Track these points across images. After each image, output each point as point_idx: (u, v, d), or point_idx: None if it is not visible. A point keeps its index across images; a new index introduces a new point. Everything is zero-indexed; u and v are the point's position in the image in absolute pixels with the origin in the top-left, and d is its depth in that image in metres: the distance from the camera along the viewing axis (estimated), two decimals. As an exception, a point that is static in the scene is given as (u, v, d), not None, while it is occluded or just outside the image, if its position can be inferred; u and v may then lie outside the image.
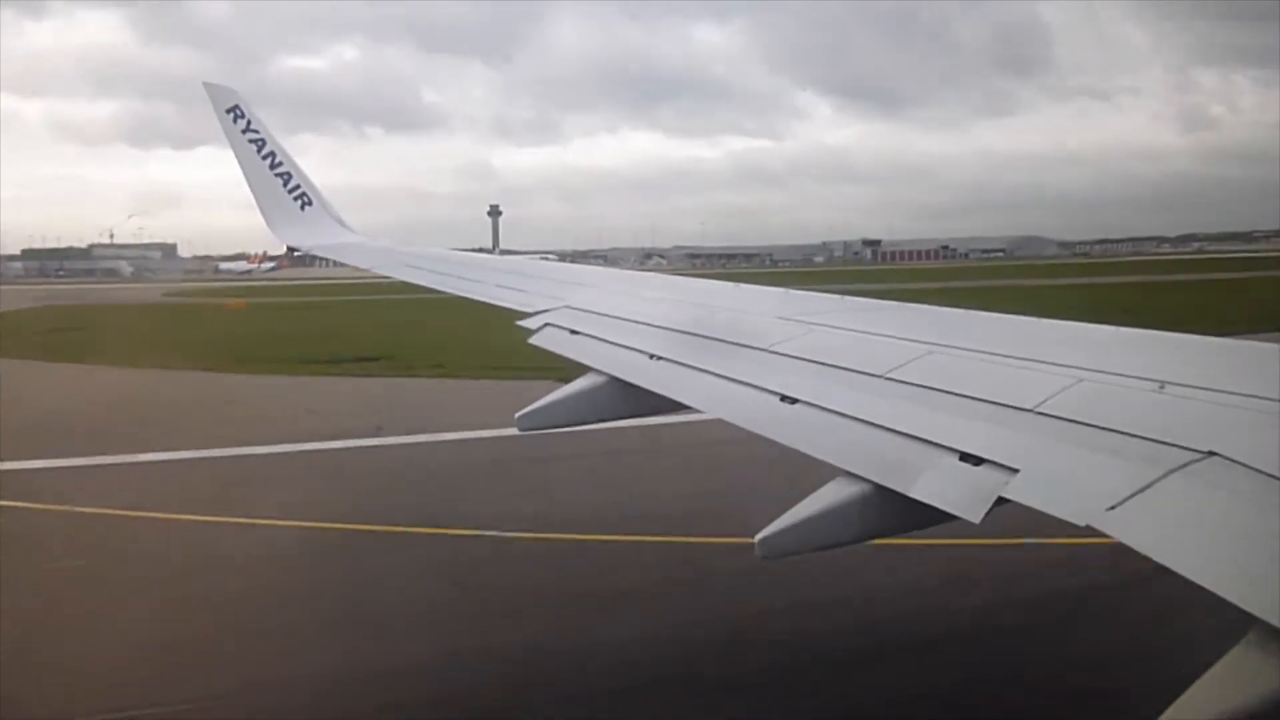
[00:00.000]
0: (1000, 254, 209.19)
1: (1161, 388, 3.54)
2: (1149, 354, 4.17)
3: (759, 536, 3.75)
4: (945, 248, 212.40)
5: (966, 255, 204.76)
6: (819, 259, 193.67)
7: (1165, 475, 2.89)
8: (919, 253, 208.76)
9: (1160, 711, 2.35)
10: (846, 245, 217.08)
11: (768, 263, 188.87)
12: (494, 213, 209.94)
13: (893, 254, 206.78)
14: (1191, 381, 3.52)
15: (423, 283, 10.34)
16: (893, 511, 3.62)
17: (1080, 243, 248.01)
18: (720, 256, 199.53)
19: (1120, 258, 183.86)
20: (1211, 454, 2.93)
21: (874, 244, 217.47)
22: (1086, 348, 4.38)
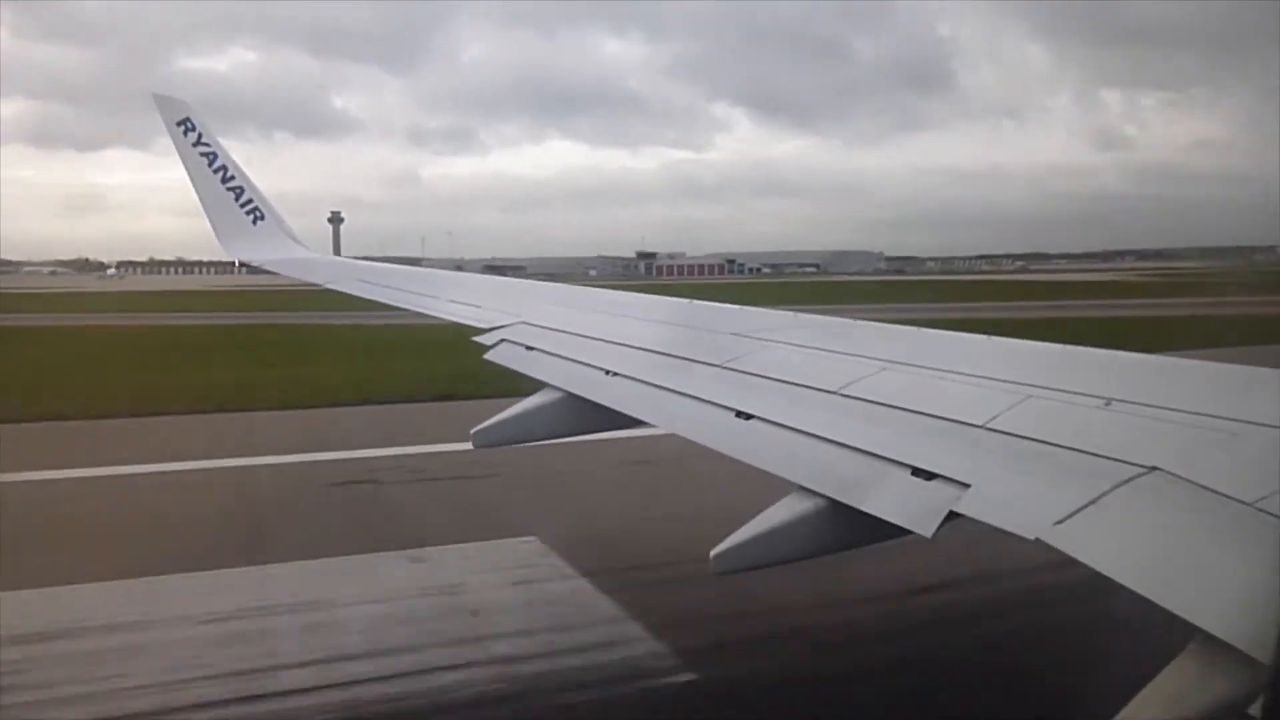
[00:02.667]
0: (814, 269, 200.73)
1: (1107, 404, 3.62)
2: (1096, 372, 4.27)
3: (714, 552, 3.76)
4: (731, 261, 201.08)
5: (756, 270, 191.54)
6: (593, 272, 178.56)
7: (1111, 490, 2.96)
8: (699, 267, 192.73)
9: None
10: (627, 261, 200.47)
11: (524, 274, 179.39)
12: (335, 220, 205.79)
13: (668, 269, 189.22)
14: (1136, 399, 3.61)
15: (376, 298, 10.24)
16: (847, 526, 3.65)
17: (908, 259, 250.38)
18: (493, 267, 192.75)
19: (951, 275, 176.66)
20: (1154, 469, 3.00)
21: (649, 257, 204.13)
22: (1035, 365, 4.47)
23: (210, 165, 12.80)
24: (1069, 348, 4.76)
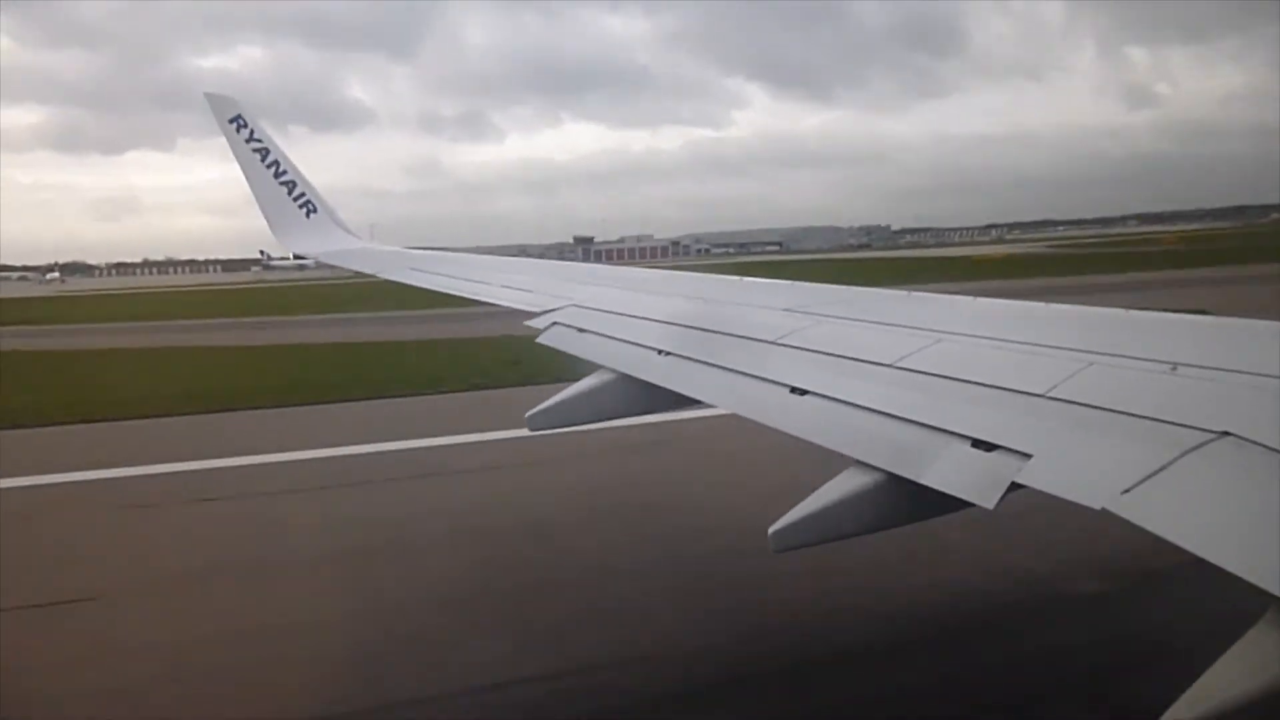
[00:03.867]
0: (776, 247, 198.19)
1: (1173, 369, 3.52)
2: (1159, 336, 4.15)
3: (772, 530, 3.74)
4: (675, 243, 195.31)
5: (704, 251, 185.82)
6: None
7: (1180, 457, 2.88)
8: (641, 250, 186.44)
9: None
10: (565, 246, 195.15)
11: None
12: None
13: (607, 253, 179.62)
14: (1203, 362, 3.51)
15: (428, 285, 10.34)
16: (906, 500, 3.61)
17: (876, 228, 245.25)
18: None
19: (920, 249, 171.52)
20: (1225, 434, 2.91)
21: (585, 241, 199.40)
22: (1096, 331, 4.36)
23: (263, 160, 13.01)
24: (1131, 312, 4.64)
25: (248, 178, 13.06)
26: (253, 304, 70.55)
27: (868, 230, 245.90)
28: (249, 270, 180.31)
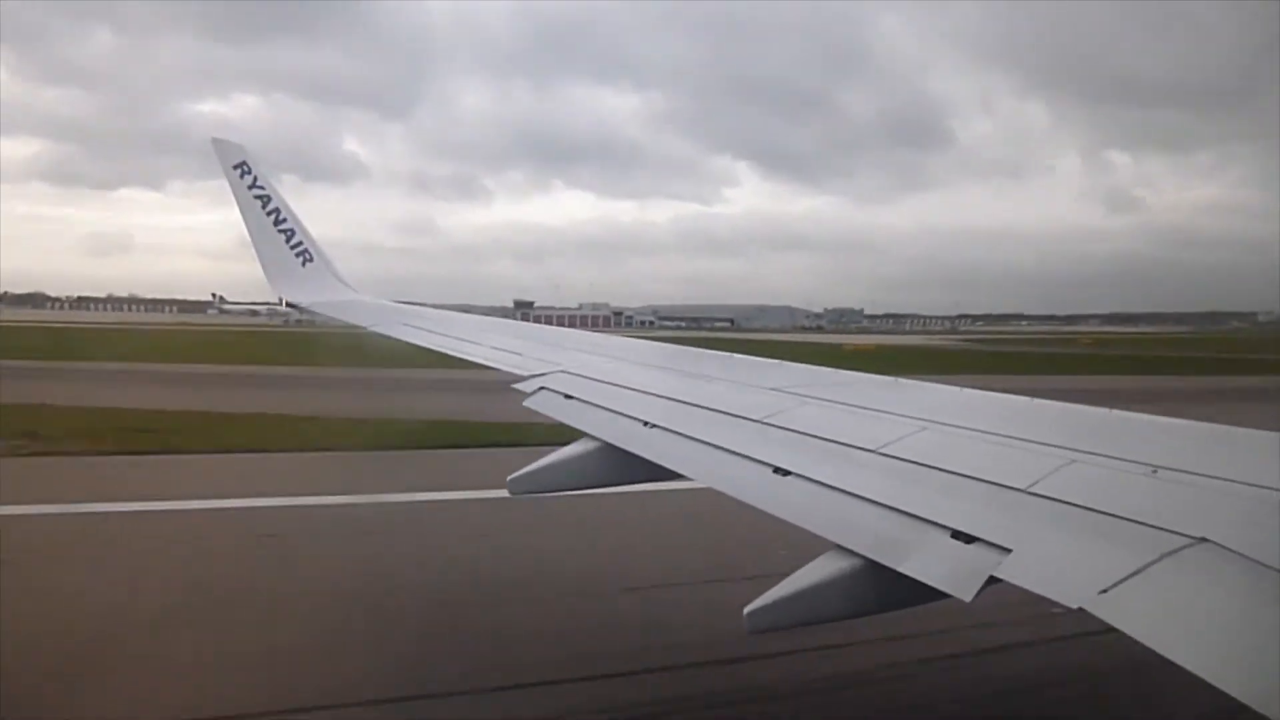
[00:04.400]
0: (728, 324, 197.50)
1: (1154, 472, 3.56)
2: (1142, 438, 4.20)
3: (748, 609, 3.72)
4: (619, 313, 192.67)
5: (650, 324, 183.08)
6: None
7: (1157, 560, 2.89)
8: (583, 319, 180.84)
9: None
10: (505, 310, 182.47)
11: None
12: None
13: (546, 318, 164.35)
14: (1184, 467, 3.55)
15: (419, 342, 10.36)
16: (884, 587, 3.60)
17: (848, 311, 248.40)
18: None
19: (871, 333, 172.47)
20: (1204, 540, 2.93)
21: (525, 306, 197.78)
22: (1079, 429, 4.41)
23: (264, 207, 13.13)
24: (1115, 412, 4.69)
25: (247, 223, 13.15)
26: (188, 347, 62.97)
27: (840, 312, 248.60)
28: (204, 312, 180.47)
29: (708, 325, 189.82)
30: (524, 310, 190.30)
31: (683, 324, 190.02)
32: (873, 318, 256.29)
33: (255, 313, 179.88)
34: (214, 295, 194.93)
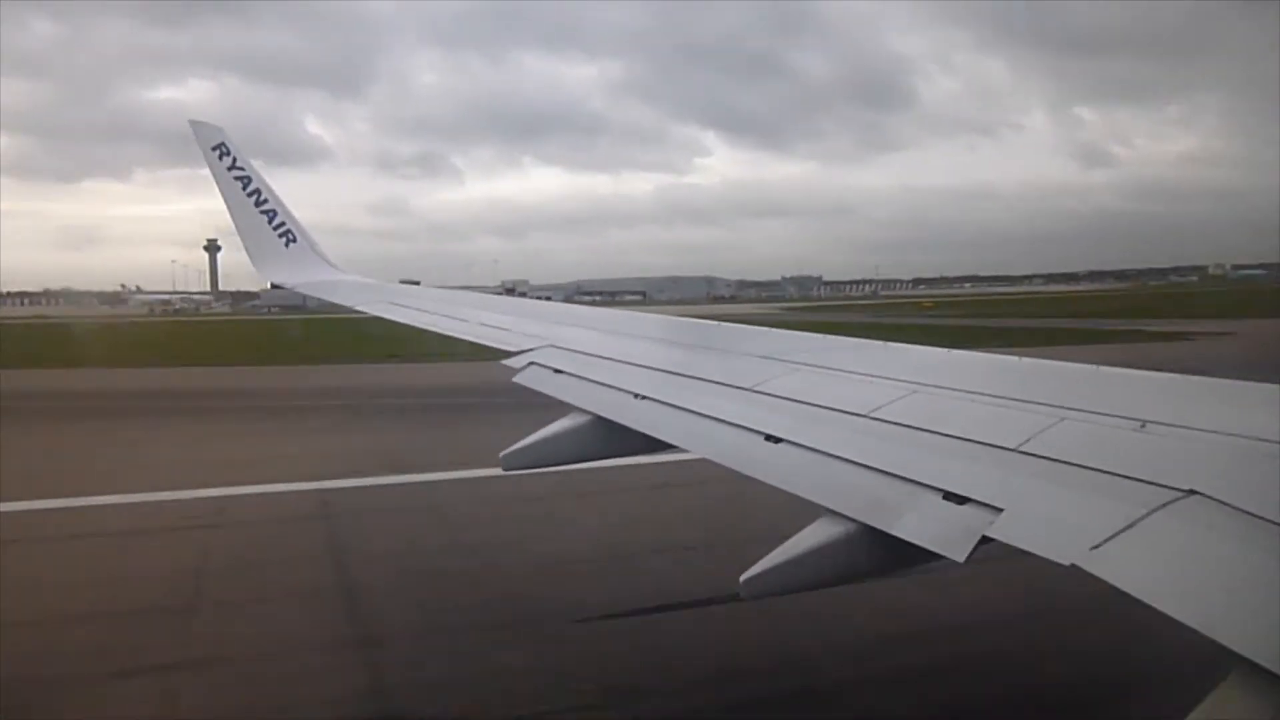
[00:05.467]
0: (640, 297, 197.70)
1: (1142, 426, 3.57)
2: (1130, 392, 4.22)
3: (743, 577, 3.74)
4: (511, 289, 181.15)
5: (547, 299, 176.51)
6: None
7: (1147, 514, 2.91)
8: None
9: None
10: None
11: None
12: (211, 249, 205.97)
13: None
14: (1171, 420, 3.56)
15: (407, 320, 10.31)
16: (878, 550, 3.62)
17: (806, 278, 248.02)
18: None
19: (785, 302, 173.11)
20: (1192, 492, 2.95)
21: (411, 285, 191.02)
22: (1068, 386, 4.42)
23: (244, 189, 13.00)
24: (1102, 368, 4.71)
25: (228, 205, 13.03)
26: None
27: (796, 281, 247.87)
28: (125, 303, 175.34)
29: (620, 299, 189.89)
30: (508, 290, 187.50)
31: (598, 298, 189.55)
32: (833, 284, 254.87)
33: (169, 302, 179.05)
34: (122, 286, 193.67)
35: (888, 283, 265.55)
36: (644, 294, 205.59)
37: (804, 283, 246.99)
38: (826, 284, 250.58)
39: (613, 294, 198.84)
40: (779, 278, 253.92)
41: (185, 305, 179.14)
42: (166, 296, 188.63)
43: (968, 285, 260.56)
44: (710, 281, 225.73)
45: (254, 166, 13.12)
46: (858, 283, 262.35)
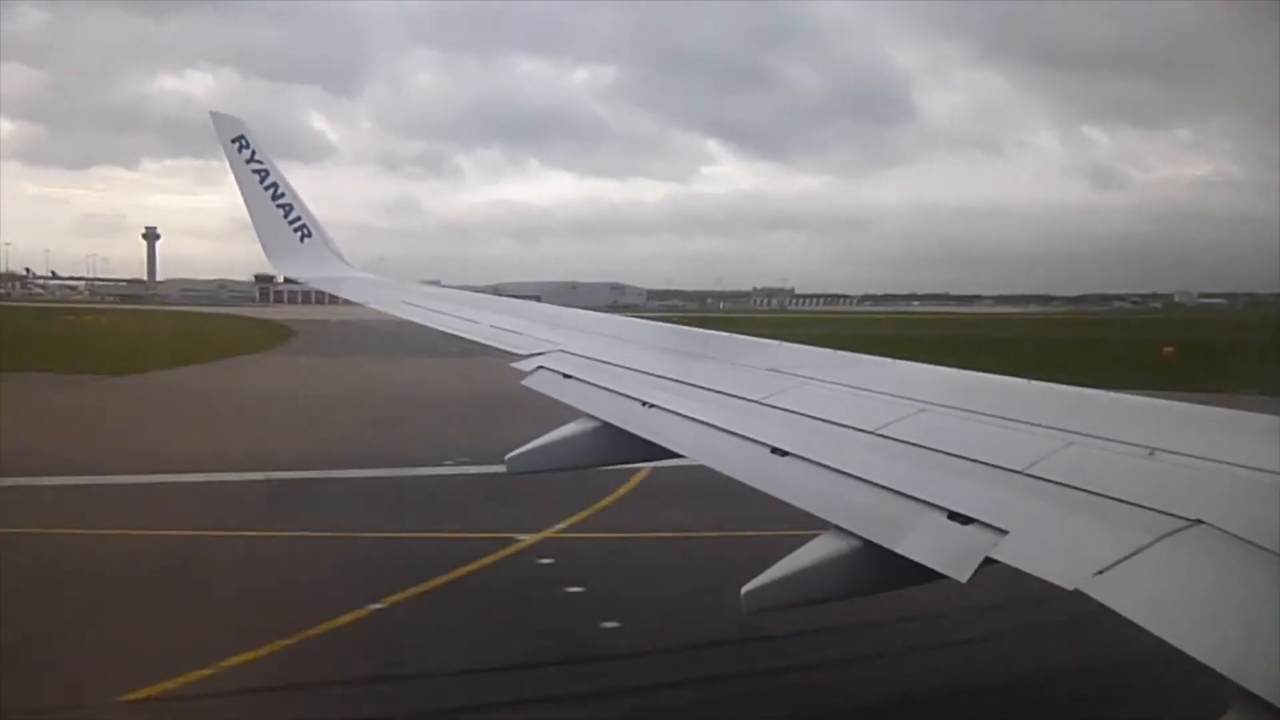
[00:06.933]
0: (535, 300, 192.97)
1: (1151, 454, 3.56)
2: (1140, 420, 4.20)
3: (745, 589, 3.74)
4: (496, 290, 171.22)
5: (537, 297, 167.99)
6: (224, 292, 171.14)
7: (1153, 542, 2.90)
8: (317, 294, 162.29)
9: None
10: (245, 285, 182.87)
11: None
12: (149, 236, 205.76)
13: (289, 295, 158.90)
14: (1180, 449, 3.55)
15: (418, 320, 10.35)
16: (880, 568, 3.62)
17: (778, 290, 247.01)
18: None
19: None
20: (1199, 522, 2.95)
21: (266, 280, 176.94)
22: (1077, 411, 4.41)
23: (262, 182, 13.04)
24: (1113, 394, 4.70)
25: (245, 197, 13.06)
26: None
27: (769, 292, 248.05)
28: (14, 288, 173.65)
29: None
30: (263, 285, 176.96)
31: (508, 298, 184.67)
32: (802, 297, 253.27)
33: (74, 288, 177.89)
34: (27, 270, 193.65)
35: (833, 297, 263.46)
36: (539, 298, 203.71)
37: (777, 294, 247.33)
38: (797, 296, 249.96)
39: (514, 296, 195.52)
40: (750, 288, 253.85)
41: (39, 291, 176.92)
42: (73, 282, 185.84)
43: (916, 304, 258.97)
44: (620, 289, 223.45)
45: (271, 161, 13.16)
46: (830, 296, 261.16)
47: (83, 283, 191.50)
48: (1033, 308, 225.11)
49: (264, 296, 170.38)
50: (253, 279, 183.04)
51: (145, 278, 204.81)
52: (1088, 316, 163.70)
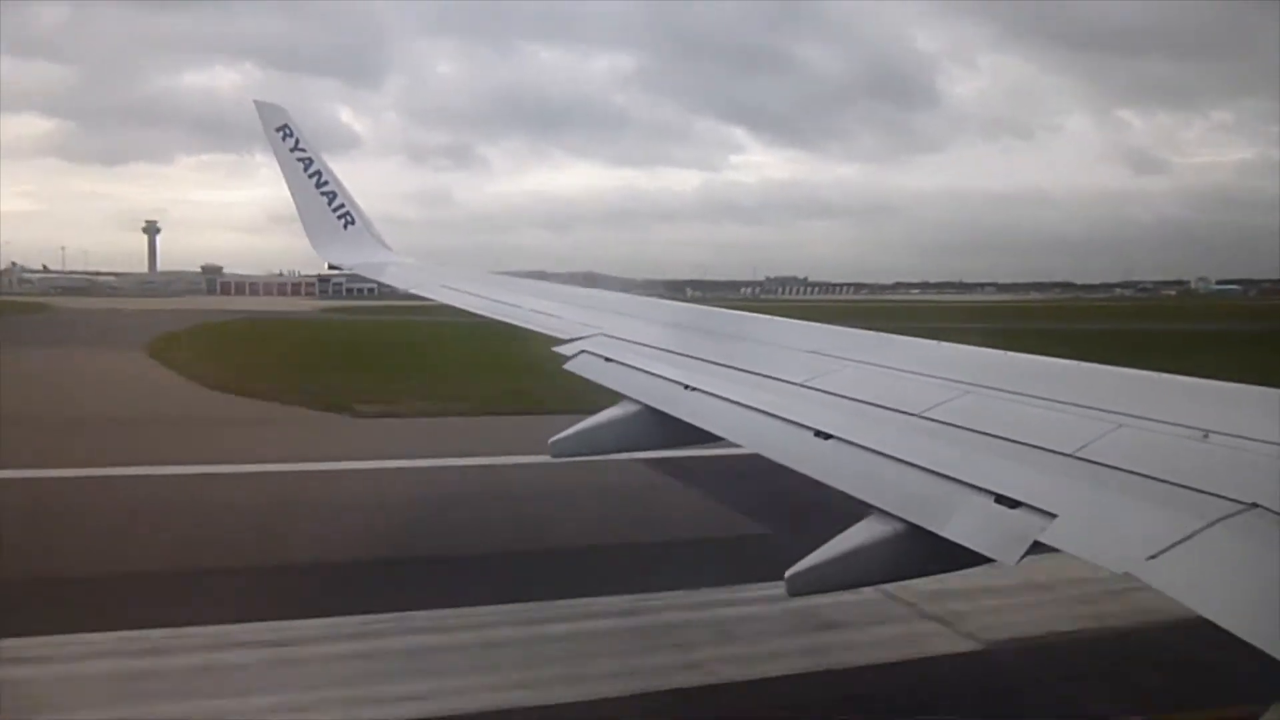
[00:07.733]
0: None
1: (1205, 437, 3.49)
2: (1192, 402, 4.11)
3: (789, 573, 3.73)
4: (323, 278, 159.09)
5: (348, 288, 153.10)
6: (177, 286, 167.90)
7: (1207, 526, 2.85)
8: (264, 285, 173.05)
9: None
10: (193, 275, 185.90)
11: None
12: (150, 230, 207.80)
13: (236, 285, 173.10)
14: (1235, 432, 3.48)
15: (458, 304, 10.41)
16: (926, 551, 3.60)
17: (790, 279, 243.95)
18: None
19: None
20: (1255, 506, 2.89)
21: (214, 271, 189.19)
22: (1127, 393, 4.33)
23: (306, 170, 13.18)
24: (1164, 375, 4.60)
25: (290, 185, 13.22)
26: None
27: (781, 281, 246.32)
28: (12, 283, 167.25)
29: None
30: (209, 277, 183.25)
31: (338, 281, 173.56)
32: (814, 285, 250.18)
33: (60, 285, 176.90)
34: (13, 264, 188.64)
35: (844, 285, 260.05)
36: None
37: (788, 283, 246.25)
38: (812, 285, 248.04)
39: (341, 286, 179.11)
40: (763, 277, 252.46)
41: (29, 285, 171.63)
42: (53, 278, 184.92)
43: (914, 291, 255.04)
44: (592, 278, 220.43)
45: (315, 149, 13.29)
46: (835, 285, 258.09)
47: (36, 274, 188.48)
48: (1033, 295, 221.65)
49: (212, 288, 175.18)
50: (199, 269, 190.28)
51: (146, 270, 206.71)
52: (1064, 305, 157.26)
